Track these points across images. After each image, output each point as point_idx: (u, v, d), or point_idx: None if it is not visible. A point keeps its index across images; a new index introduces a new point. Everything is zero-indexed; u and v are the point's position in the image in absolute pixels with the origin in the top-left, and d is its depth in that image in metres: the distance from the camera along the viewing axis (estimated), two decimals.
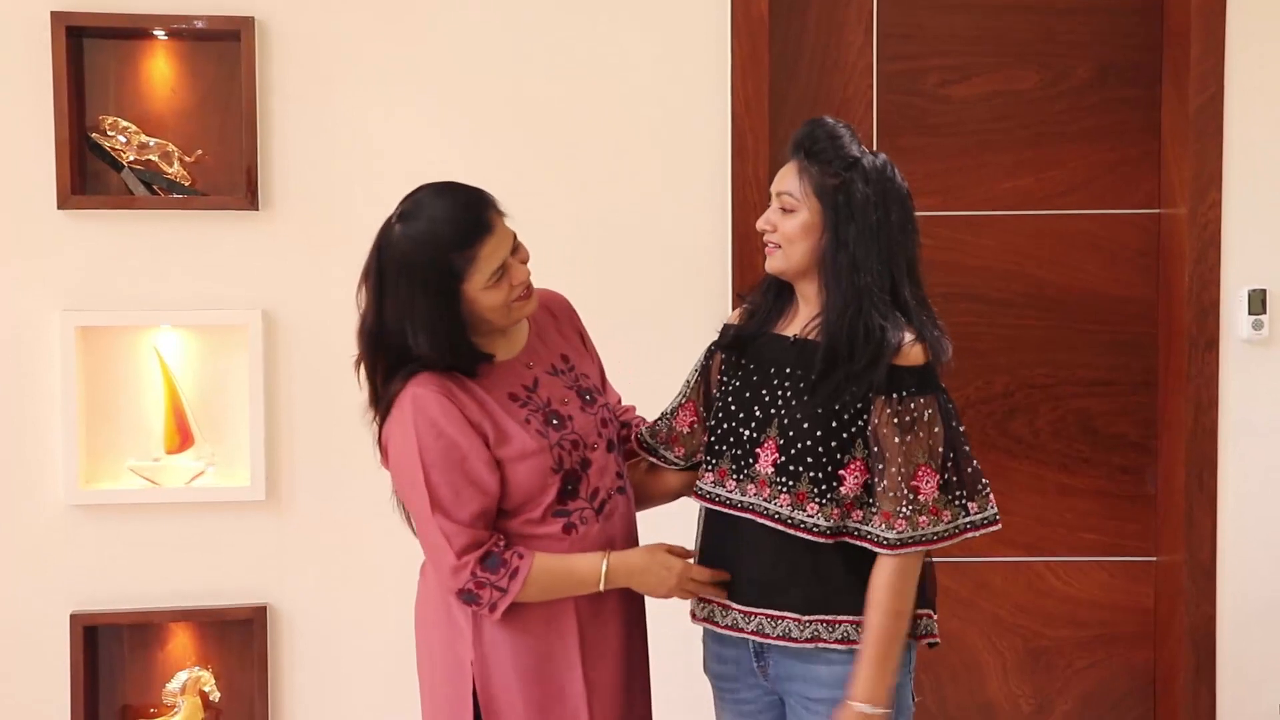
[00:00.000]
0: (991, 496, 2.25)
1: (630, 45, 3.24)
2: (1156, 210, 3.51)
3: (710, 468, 2.31)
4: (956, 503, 2.20)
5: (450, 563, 2.18)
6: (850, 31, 3.42)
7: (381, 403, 2.26)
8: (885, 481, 2.17)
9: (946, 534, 2.20)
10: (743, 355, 2.34)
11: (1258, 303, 3.38)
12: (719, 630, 2.32)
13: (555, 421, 2.27)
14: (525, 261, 2.26)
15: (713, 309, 3.19)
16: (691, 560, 2.31)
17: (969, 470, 2.22)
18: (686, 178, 3.27)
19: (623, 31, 3.23)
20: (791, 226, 2.25)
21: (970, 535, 2.22)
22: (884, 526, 2.17)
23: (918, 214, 2.19)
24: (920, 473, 2.17)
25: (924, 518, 2.16)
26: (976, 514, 2.22)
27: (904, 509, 2.16)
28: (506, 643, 2.25)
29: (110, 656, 3.22)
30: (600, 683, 2.29)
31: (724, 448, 2.29)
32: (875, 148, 3.37)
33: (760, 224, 2.30)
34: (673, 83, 3.25)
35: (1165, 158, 3.48)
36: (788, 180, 2.27)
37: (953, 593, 3.52)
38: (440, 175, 3.14)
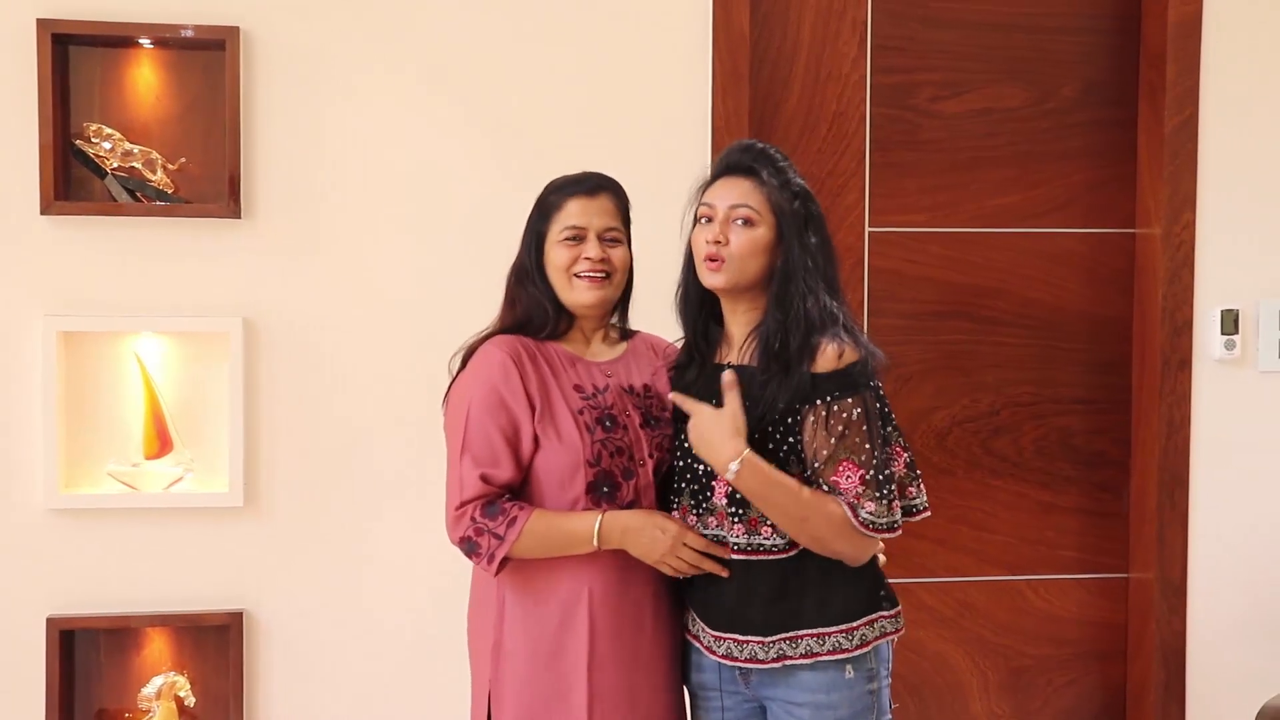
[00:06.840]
0: (922, 487, 2.32)
1: (612, 61, 3.25)
2: (1133, 230, 3.54)
3: (675, 506, 2.32)
4: (884, 501, 2.19)
5: (456, 507, 2.28)
6: (844, 43, 3.43)
7: (464, 354, 2.39)
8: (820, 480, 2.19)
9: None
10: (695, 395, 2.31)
11: (1230, 323, 3.41)
12: (700, 647, 2.34)
13: (608, 424, 2.33)
14: (611, 258, 2.37)
15: None
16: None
17: (891, 471, 2.23)
18: (666, 193, 3.28)
19: (604, 47, 3.25)
20: (748, 241, 2.23)
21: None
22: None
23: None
24: (842, 468, 2.17)
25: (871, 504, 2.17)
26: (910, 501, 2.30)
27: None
28: (521, 633, 2.31)
29: (86, 661, 3.22)
30: (605, 687, 2.31)
31: (683, 484, 2.31)
32: (868, 162, 3.42)
33: (713, 237, 2.24)
34: (653, 98, 3.26)
35: (1141, 178, 3.51)
36: (741, 194, 2.25)
37: (937, 613, 3.54)
38: (421, 186, 3.20)
